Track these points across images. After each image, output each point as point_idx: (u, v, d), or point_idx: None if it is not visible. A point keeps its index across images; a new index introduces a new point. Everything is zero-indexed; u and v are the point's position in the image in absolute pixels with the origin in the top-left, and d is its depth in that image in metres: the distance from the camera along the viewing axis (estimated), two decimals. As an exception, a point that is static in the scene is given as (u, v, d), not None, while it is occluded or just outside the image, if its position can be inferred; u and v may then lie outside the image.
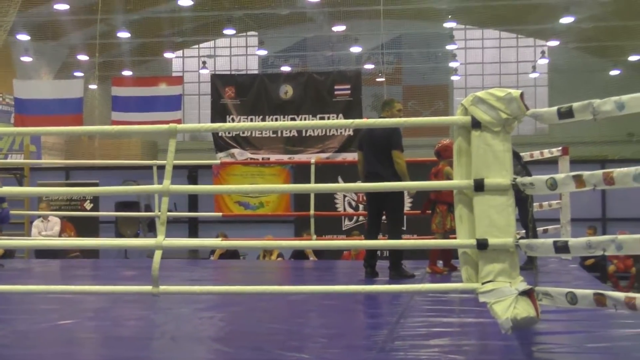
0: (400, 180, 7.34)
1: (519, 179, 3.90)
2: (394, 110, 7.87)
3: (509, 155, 3.96)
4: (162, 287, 4.21)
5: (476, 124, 3.95)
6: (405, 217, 8.34)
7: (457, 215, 4.11)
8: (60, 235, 13.38)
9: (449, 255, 8.26)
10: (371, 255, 7.85)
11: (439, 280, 7.60)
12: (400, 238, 7.75)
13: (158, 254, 4.17)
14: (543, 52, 30.28)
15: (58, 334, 4.99)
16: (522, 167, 8.14)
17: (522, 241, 3.87)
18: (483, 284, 3.89)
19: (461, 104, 4.05)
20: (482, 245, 3.87)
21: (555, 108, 3.80)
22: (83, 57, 26.65)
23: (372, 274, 7.74)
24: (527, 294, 3.79)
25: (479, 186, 3.90)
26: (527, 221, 8.32)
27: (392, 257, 7.76)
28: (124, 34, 26.26)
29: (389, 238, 7.71)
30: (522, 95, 3.90)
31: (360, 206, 15.54)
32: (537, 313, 3.78)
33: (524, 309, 3.76)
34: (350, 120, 4.52)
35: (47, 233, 13.19)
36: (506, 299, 3.79)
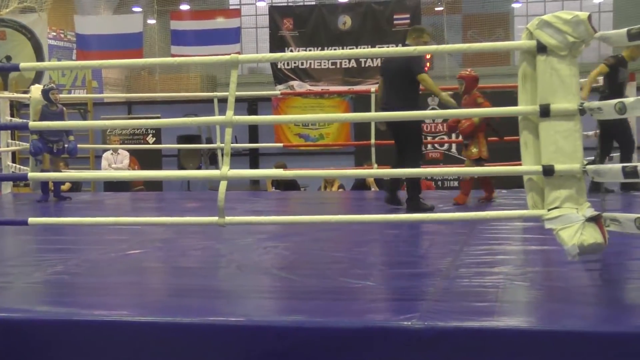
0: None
1: (587, 104, 3.82)
2: (421, 39, 7.36)
3: (575, 80, 3.86)
4: (228, 218, 4.26)
5: (542, 49, 3.85)
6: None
7: (522, 142, 4.04)
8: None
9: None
10: (394, 182, 7.70)
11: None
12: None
13: (223, 185, 4.20)
14: (608, -25, 29.29)
15: (128, 263, 5.11)
16: None
17: (589, 167, 3.81)
18: (549, 210, 3.83)
19: (526, 28, 3.95)
20: (548, 171, 3.81)
21: (624, 30, 3.69)
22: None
23: (392, 200, 7.55)
24: (595, 220, 3.74)
25: (545, 112, 3.83)
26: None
27: (409, 189, 7.48)
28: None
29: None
30: (589, 17, 3.79)
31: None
32: (604, 239, 3.73)
33: (591, 235, 3.71)
34: (412, 47, 4.43)
35: (116, 166, 13.40)
36: (573, 226, 3.74)
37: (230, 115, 4.24)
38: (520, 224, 6.23)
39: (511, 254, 5.15)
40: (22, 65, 4.81)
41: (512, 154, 9.38)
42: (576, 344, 3.18)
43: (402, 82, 7.32)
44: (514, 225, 6.21)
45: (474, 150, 7.88)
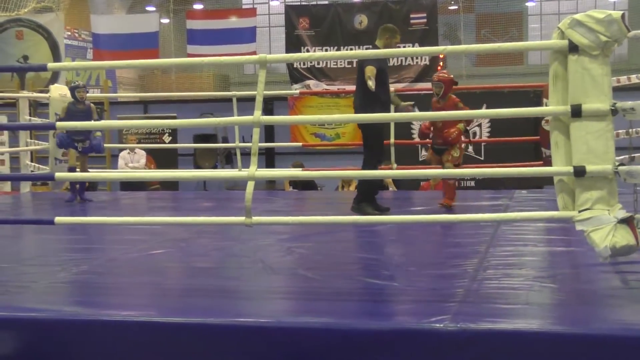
0: (367, 111, 6.77)
1: (619, 104, 3.77)
2: (394, 40, 7.24)
3: (607, 80, 3.81)
4: (255, 218, 4.25)
5: (573, 48, 3.80)
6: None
7: (553, 142, 4.00)
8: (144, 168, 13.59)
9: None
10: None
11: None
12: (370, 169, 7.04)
13: (251, 185, 4.19)
14: (623, -28, 29.09)
15: (151, 263, 5.10)
16: None
17: (621, 168, 3.76)
18: (580, 211, 3.79)
19: (558, 28, 3.90)
20: (579, 172, 3.76)
21: (660, 28, 3.65)
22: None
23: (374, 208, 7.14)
24: (627, 221, 3.69)
25: (577, 112, 3.78)
26: None
27: (359, 189, 7.30)
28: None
29: (362, 169, 7.15)
30: (623, 16, 3.74)
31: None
32: (636, 241, 3.69)
33: (623, 237, 3.66)
34: (442, 48, 4.39)
35: (133, 165, 13.38)
36: (604, 227, 3.70)
37: (258, 115, 4.22)
38: (542, 225, 6.18)
39: (537, 255, 5.11)
40: (50, 65, 4.83)
41: (515, 154, 9.33)
42: (607, 347, 3.17)
43: (360, 80, 7.21)
44: (536, 226, 6.16)
45: (456, 155, 7.78)
